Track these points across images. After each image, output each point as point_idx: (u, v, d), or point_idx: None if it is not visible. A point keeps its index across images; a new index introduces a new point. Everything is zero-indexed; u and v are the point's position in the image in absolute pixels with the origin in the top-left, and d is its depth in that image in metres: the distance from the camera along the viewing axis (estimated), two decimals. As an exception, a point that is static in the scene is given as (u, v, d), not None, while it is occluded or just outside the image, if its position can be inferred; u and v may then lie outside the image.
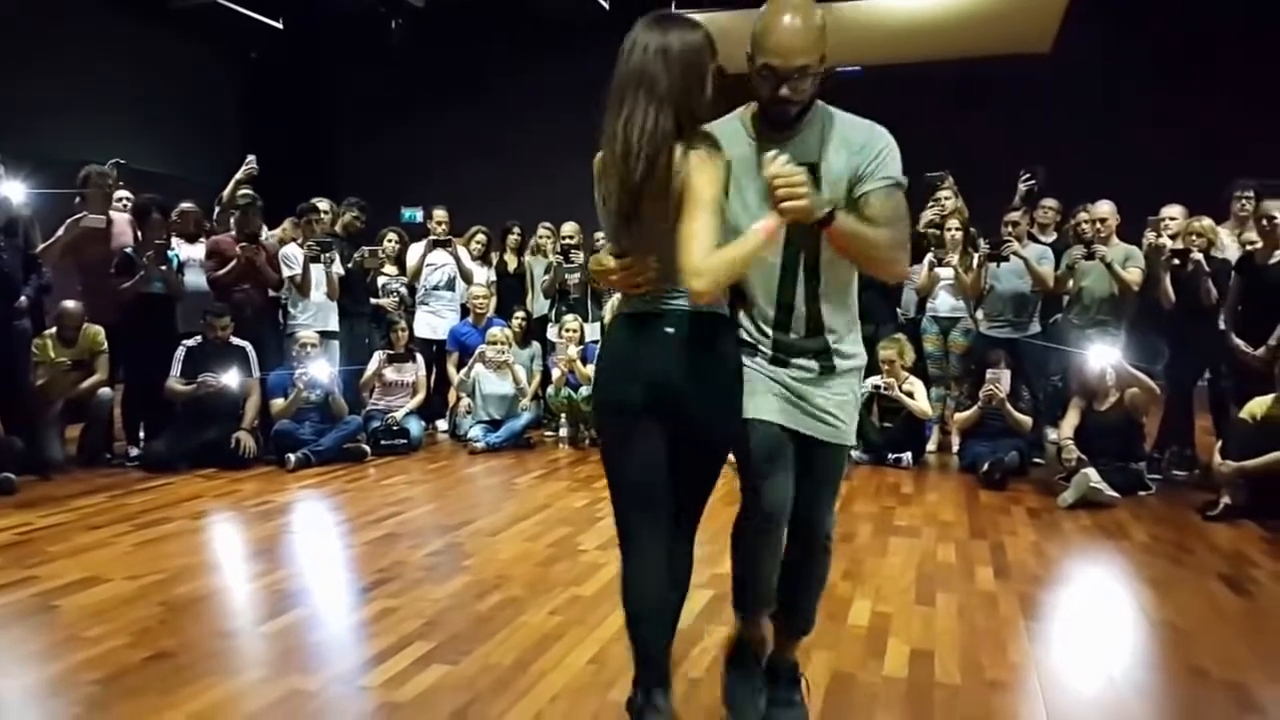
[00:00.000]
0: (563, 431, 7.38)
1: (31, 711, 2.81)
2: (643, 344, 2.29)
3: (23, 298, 5.89)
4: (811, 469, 2.47)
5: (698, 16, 2.34)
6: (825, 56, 2.26)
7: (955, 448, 6.62)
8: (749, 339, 2.43)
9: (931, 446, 6.86)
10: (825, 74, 2.29)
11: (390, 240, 7.76)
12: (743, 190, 2.34)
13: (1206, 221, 6.11)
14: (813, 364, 2.42)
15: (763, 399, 2.40)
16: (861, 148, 2.33)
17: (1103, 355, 5.71)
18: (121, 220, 6.68)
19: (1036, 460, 6.37)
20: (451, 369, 7.60)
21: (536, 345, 7.63)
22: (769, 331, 2.41)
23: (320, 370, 6.46)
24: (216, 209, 7.31)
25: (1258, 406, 5.20)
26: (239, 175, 7.19)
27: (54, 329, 6.30)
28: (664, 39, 2.19)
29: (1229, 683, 3.00)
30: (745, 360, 2.41)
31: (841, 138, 2.34)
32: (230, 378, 6.28)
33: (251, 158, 7.22)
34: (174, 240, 6.70)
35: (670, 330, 2.26)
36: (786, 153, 2.20)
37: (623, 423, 2.34)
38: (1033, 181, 7.03)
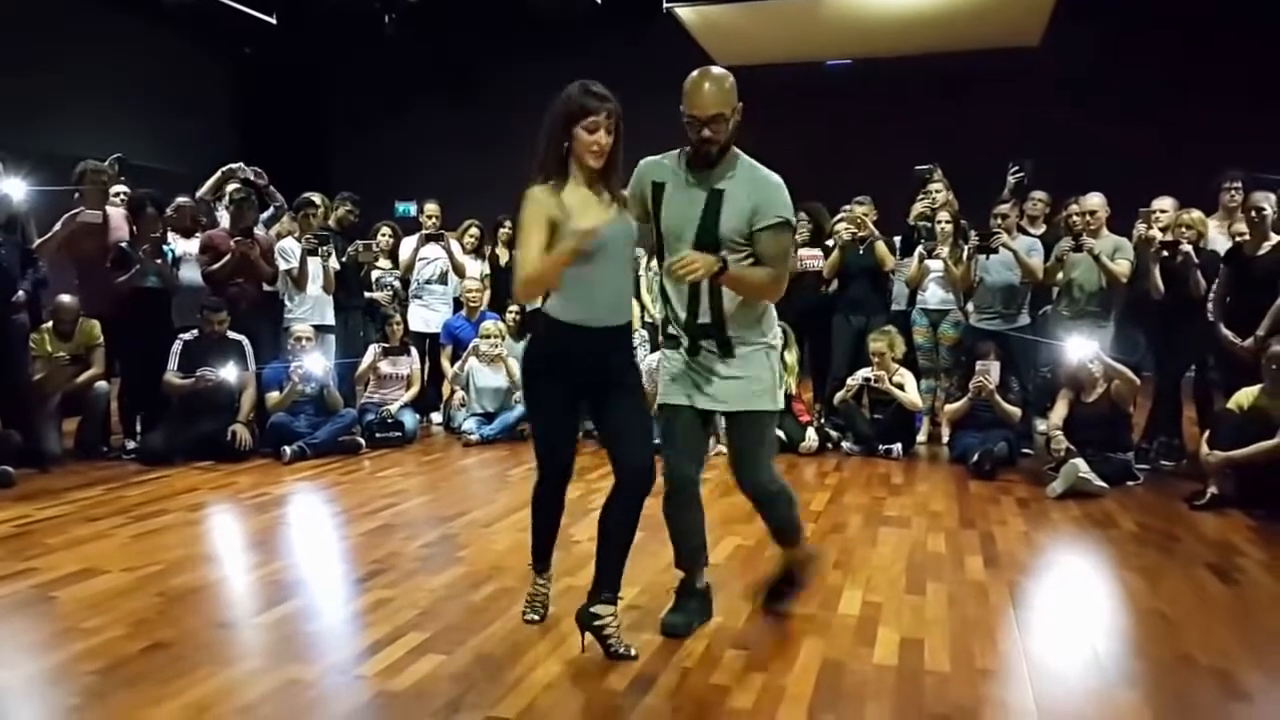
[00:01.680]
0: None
1: (31, 702, 2.84)
2: None
3: (20, 292, 5.90)
4: (735, 437, 3.26)
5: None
6: (736, 108, 3.00)
7: (945, 439, 6.64)
8: (674, 334, 3.19)
9: (921, 438, 6.88)
10: (738, 121, 3.01)
11: (384, 234, 7.78)
12: (671, 205, 3.10)
13: (1196, 214, 6.13)
14: (714, 347, 3.14)
15: (674, 386, 3.19)
16: (758, 185, 3.04)
17: (1079, 348, 5.74)
18: (118, 215, 6.67)
19: (1025, 451, 6.40)
20: (445, 362, 7.61)
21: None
22: (684, 329, 3.15)
23: (315, 364, 6.47)
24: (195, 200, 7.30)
25: (1245, 397, 5.23)
26: (219, 172, 7.21)
27: (50, 323, 6.31)
28: None
29: (1216, 670, 3.04)
30: (670, 351, 3.21)
31: (745, 176, 3.06)
32: (228, 372, 6.29)
33: (244, 164, 7.23)
34: (169, 235, 6.70)
35: None
36: (704, 182, 3.03)
37: None
38: (1022, 174, 7.03)
